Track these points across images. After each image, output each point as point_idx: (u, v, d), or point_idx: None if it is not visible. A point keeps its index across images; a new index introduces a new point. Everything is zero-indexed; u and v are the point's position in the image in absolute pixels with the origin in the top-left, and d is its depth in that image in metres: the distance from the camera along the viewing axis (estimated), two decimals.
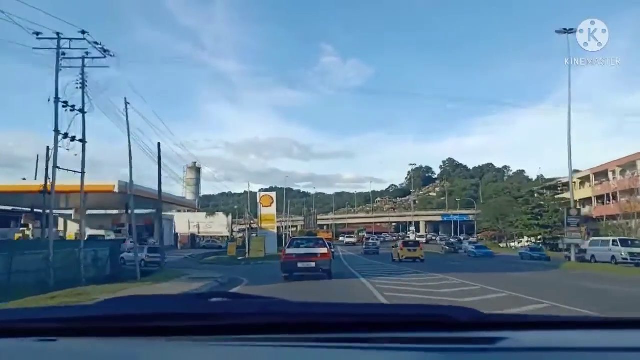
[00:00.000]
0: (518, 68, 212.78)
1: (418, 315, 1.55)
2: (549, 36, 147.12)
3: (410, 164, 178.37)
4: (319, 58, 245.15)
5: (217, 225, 67.52)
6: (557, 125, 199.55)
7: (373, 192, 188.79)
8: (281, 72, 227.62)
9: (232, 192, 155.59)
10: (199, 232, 66.60)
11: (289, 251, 17.70)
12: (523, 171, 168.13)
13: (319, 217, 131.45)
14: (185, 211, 68.88)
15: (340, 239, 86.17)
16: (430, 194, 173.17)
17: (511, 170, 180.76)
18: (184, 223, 64.92)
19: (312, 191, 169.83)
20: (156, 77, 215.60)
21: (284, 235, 69.17)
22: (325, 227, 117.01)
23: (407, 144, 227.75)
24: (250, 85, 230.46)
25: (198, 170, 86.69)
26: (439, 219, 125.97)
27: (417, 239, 57.78)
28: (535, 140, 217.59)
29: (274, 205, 51.88)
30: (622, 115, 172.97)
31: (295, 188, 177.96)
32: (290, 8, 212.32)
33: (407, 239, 49.94)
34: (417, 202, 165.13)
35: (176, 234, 61.97)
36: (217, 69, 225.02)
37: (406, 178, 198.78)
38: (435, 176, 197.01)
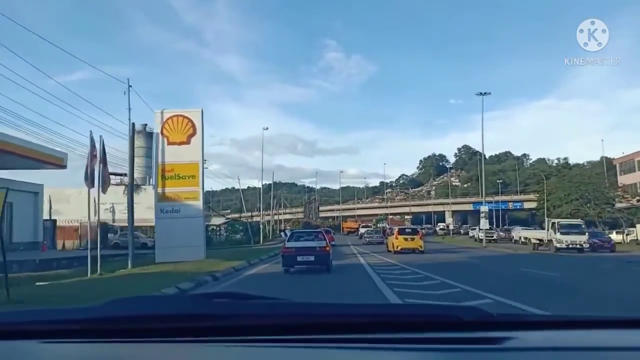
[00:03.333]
0: (520, 64, 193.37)
1: (424, 315, 1.46)
2: (551, 33, 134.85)
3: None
4: (323, 54, 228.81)
5: (146, 208, 37.89)
6: (561, 118, 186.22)
7: (382, 183, 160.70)
8: (285, 69, 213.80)
9: (236, 187, 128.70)
10: (113, 220, 37.36)
11: (289, 245, 16.57)
12: (544, 159, 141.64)
13: (322, 208, 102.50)
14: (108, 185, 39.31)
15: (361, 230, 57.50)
16: (453, 181, 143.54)
17: (531, 159, 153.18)
18: (86, 205, 35.34)
19: (317, 186, 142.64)
20: (160, 74, 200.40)
21: (263, 227, 40.44)
22: (330, 220, 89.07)
23: (412, 139, 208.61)
24: (254, 82, 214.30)
25: (150, 136, 56.71)
26: (468, 208, 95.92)
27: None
28: (540, 132, 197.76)
29: (198, 140, 21.91)
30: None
31: (299, 183, 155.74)
32: (294, 3, 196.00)
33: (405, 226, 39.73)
34: (431, 192, 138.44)
35: (51, 222, 32.58)
36: (220, 65, 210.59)
37: (418, 168, 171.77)
38: (450, 165, 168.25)
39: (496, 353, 1.17)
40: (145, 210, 38.96)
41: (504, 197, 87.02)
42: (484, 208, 38.68)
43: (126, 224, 38.45)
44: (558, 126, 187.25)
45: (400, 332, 1.29)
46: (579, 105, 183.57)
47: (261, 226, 41.97)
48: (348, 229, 67.76)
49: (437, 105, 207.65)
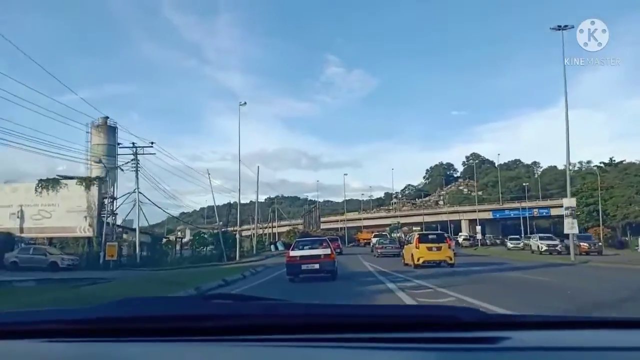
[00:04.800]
0: (523, 74, 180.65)
1: (422, 315, 1.45)
2: (554, 41, 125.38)
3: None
4: (324, 69, 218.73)
5: (66, 211, 26.50)
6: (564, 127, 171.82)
7: (387, 194, 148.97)
8: (287, 84, 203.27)
9: (240, 202, 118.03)
10: (21, 230, 26.10)
11: (293, 253, 15.68)
12: (555, 167, 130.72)
13: (324, 219, 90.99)
14: None
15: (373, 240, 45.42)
16: (462, 190, 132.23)
17: (541, 166, 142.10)
18: None
19: (318, 195, 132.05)
20: (162, 91, 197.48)
21: (242, 239, 29.96)
22: (333, 231, 77.44)
23: (415, 152, 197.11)
24: (257, 97, 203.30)
25: (113, 131, 46.21)
26: (486, 216, 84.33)
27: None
28: (544, 142, 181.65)
29: None
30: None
31: (302, 197, 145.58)
32: (295, 19, 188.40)
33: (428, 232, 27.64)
34: (439, 202, 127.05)
35: None
36: (222, 81, 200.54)
37: (424, 177, 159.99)
38: (458, 174, 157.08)
39: (494, 353, 1.15)
40: (65, 216, 27.75)
41: (530, 204, 75.25)
42: (569, 201, 26.29)
43: (39, 234, 27.38)
44: (562, 135, 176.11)
45: (399, 332, 1.27)
46: (583, 115, 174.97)
47: (237, 237, 30.33)
48: (365, 240, 57.02)
49: (439, 118, 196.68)
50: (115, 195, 46.80)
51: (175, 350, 1.22)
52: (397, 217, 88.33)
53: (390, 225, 66.74)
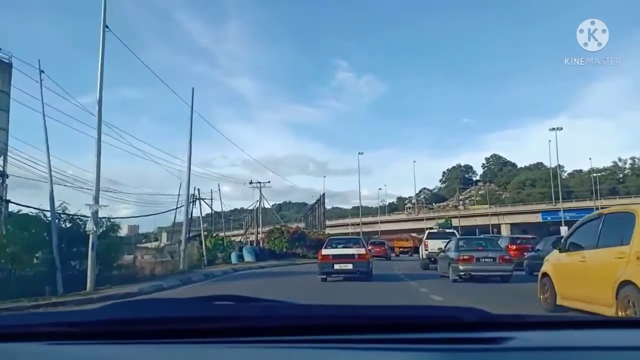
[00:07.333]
0: (530, 85, 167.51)
1: (425, 316, 1.40)
2: (562, 53, 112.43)
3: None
4: (334, 74, 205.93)
5: None
6: (574, 138, 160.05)
7: (399, 198, 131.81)
8: (296, 89, 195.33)
9: (244, 207, 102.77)
10: None
11: (325, 252, 14.81)
12: (581, 170, 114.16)
13: (332, 222, 73.60)
14: None
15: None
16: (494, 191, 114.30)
17: (565, 171, 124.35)
18: None
19: (328, 205, 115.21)
20: (171, 96, 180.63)
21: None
22: (352, 234, 59.88)
23: (424, 159, 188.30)
24: (266, 103, 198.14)
25: (6, 69, 28.14)
26: (532, 219, 66.43)
27: None
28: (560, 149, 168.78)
29: None
30: None
31: (310, 203, 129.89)
32: (306, 24, 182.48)
33: None
34: (458, 207, 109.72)
35: None
36: (232, 87, 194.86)
37: (441, 181, 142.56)
38: (477, 177, 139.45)
39: (496, 353, 1.12)
40: None
41: (599, 202, 56.93)
42: None
43: None
44: (572, 145, 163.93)
45: (400, 332, 1.23)
46: (592, 124, 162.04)
47: (91, 233, 11.60)
48: (400, 249, 40.19)
49: (449, 125, 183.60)
50: (4, 171, 29.01)
51: (176, 353, 1.18)
52: (424, 220, 70.64)
53: (434, 228, 47.00)
